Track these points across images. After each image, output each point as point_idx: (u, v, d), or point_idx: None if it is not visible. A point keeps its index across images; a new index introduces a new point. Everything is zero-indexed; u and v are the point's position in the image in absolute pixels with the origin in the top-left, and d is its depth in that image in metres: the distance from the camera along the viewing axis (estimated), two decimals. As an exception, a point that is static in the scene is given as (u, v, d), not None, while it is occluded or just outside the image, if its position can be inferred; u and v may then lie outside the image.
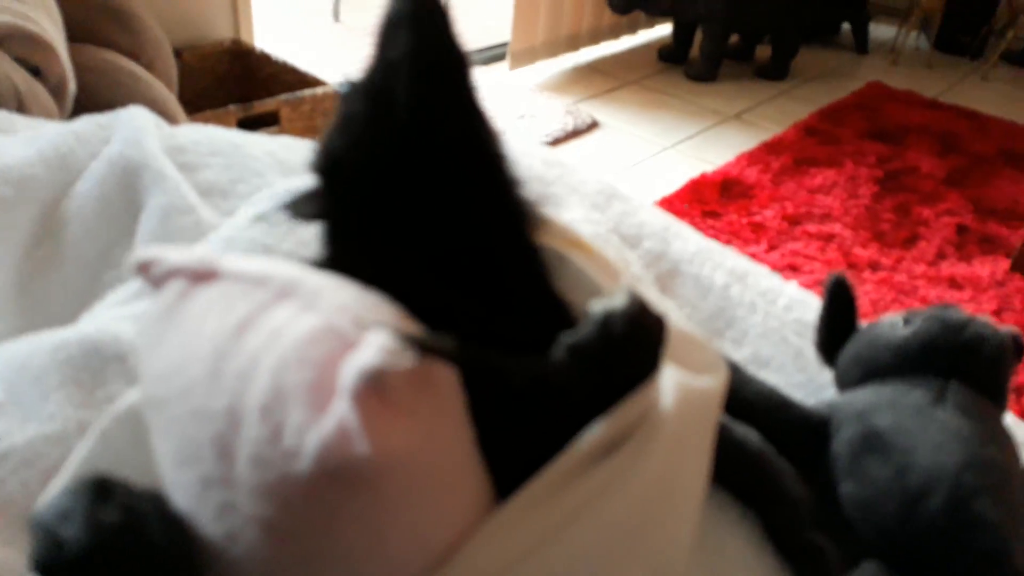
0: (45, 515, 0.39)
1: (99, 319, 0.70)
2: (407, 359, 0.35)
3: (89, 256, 0.91)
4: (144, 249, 0.43)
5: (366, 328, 0.36)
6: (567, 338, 0.43)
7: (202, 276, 0.42)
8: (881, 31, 3.91)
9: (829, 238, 2.36)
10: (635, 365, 0.44)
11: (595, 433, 0.42)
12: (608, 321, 0.42)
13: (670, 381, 0.46)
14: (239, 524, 0.36)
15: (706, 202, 2.44)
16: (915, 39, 3.78)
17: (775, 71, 3.34)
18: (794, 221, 2.42)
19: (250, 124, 1.97)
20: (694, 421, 0.48)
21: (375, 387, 0.34)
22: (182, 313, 0.41)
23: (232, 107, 2.00)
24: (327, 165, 0.48)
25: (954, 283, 2.20)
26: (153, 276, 0.43)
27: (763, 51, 3.45)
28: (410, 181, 0.46)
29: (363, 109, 0.46)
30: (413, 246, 0.45)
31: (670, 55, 3.39)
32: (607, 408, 0.43)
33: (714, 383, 0.50)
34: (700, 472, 0.49)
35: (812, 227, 2.39)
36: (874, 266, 2.23)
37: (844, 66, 3.58)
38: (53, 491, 0.46)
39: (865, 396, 0.66)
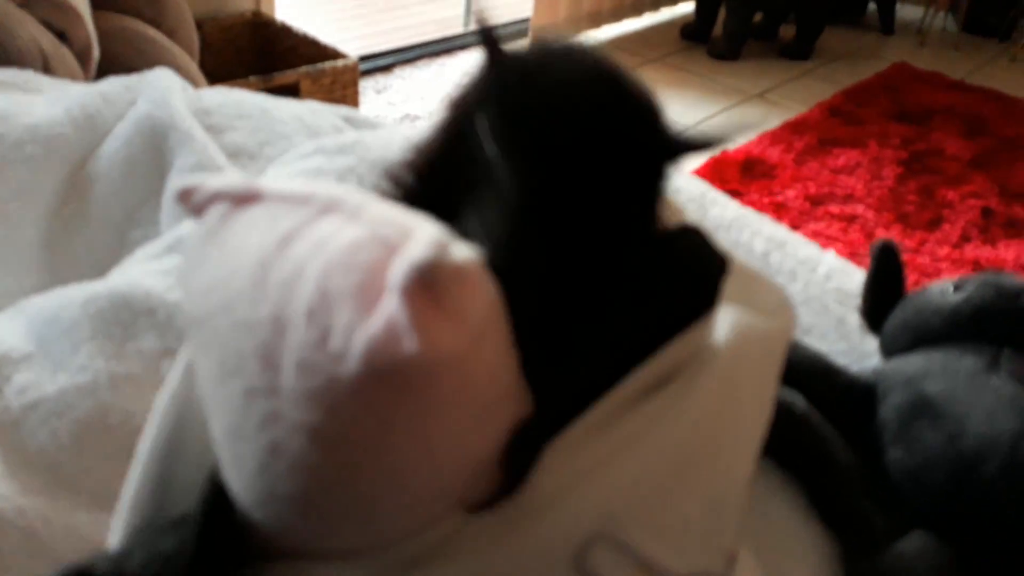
0: None
1: (129, 273, 0.70)
2: (458, 252, 0.34)
3: (115, 215, 0.90)
4: (184, 178, 0.43)
5: (410, 234, 0.35)
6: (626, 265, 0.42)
7: (245, 199, 0.41)
8: (908, 11, 3.85)
9: (852, 219, 2.33)
10: (692, 297, 0.43)
11: (650, 366, 0.42)
12: (669, 249, 0.41)
13: (727, 319, 0.45)
14: (284, 434, 0.35)
15: (727, 181, 2.41)
16: (942, 20, 3.72)
17: (799, 50, 3.30)
18: (816, 201, 2.39)
19: (271, 95, 1.96)
20: (751, 359, 0.47)
21: (425, 283, 0.32)
22: (225, 233, 0.40)
23: (252, 79, 1.99)
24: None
25: (978, 266, 2.17)
26: (195, 203, 0.42)
27: (787, 30, 3.41)
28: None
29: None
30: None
31: (693, 33, 3.35)
32: (660, 341, 0.42)
33: (777, 323, 0.48)
34: (759, 411, 0.48)
35: (835, 208, 2.37)
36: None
37: (869, 46, 3.53)
38: (147, 432, 0.45)
39: (914, 362, 0.65)
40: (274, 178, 0.81)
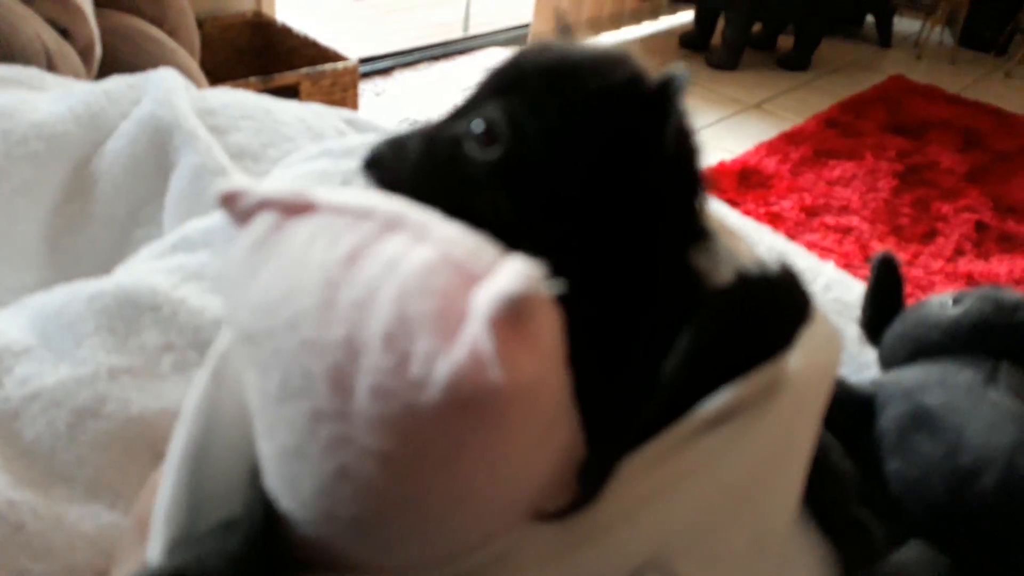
0: None
1: (135, 271, 0.70)
2: (548, 287, 0.33)
3: (119, 214, 0.90)
4: (229, 179, 0.42)
5: (485, 260, 0.35)
6: (714, 295, 0.41)
7: (296, 208, 0.39)
8: (905, 25, 3.88)
9: (847, 231, 2.34)
10: (774, 336, 0.42)
11: (719, 401, 0.41)
12: (760, 284, 0.41)
13: (795, 357, 0.44)
14: (353, 459, 0.34)
15: (724, 191, 2.42)
16: (939, 34, 3.75)
17: (797, 61, 3.31)
18: (812, 212, 2.40)
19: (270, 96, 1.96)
20: (811, 394, 0.46)
21: (512, 314, 0.32)
22: (278, 245, 0.39)
23: (252, 79, 1.99)
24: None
25: (971, 280, 2.19)
26: (239, 209, 0.40)
27: (785, 41, 3.43)
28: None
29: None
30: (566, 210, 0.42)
31: (692, 42, 3.37)
32: (732, 376, 0.42)
33: (828, 357, 0.48)
34: (807, 446, 0.48)
35: (830, 219, 2.38)
36: (892, 260, 2.22)
37: (867, 59, 3.55)
38: (176, 440, 0.45)
39: (913, 374, 0.65)
40: (279, 180, 0.81)
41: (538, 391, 0.35)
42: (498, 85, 0.44)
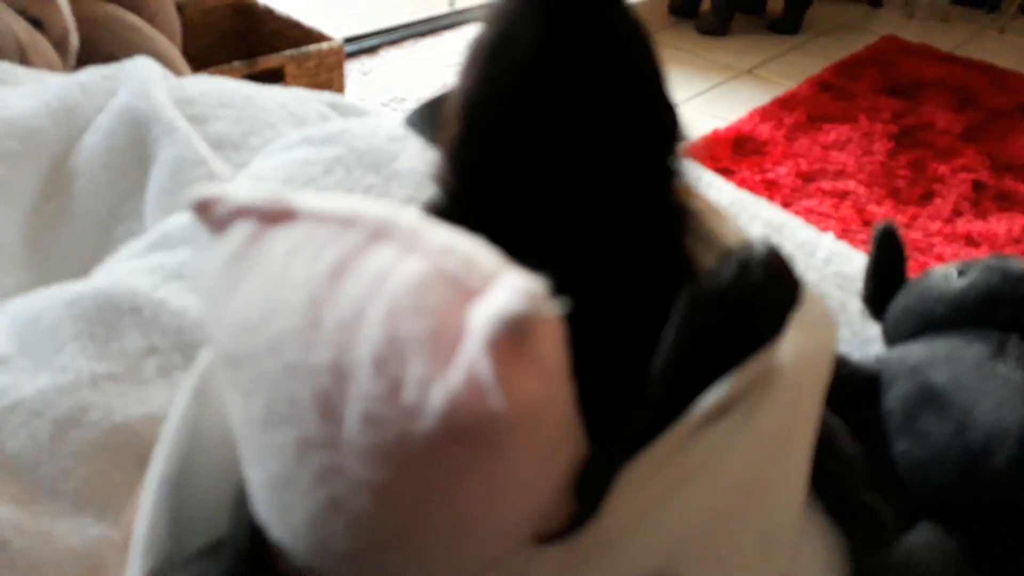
0: None
1: (114, 272, 0.68)
2: (551, 305, 0.31)
3: (99, 211, 0.88)
4: (202, 187, 0.39)
5: (481, 272, 0.32)
6: (699, 282, 0.40)
7: (276, 216, 0.36)
8: (896, -17, 3.83)
9: (844, 195, 2.32)
10: (765, 321, 0.40)
11: (713, 396, 0.40)
12: (747, 267, 0.39)
13: (789, 343, 0.43)
14: (345, 490, 0.32)
15: (718, 159, 2.40)
16: (930, -9, 3.71)
17: (787, 25, 3.27)
18: (808, 178, 2.38)
19: (255, 80, 1.93)
20: (809, 381, 0.45)
21: (512, 336, 0.29)
22: (258, 258, 0.36)
23: (236, 63, 1.95)
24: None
25: (971, 240, 2.17)
26: (215, 217, 0.37)
27: (775, 4, 3.38)
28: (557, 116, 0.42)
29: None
30: (540, 185, 0.41)
31: (681, 9, 3.32)
32: (724, 369, 0.40)
33: (823, 340, 0.46)
34: (809, 436, 0.46)
35: (826, 184, 2.36)
36: (890, 223, 2.20)
37: (858, 20, 3.51)
38: (156, 463, 0.43)
39: (919, 350, 0.64)
40: (260, 169, 0.79)
41: (542, 413, 0.32)
42: None
